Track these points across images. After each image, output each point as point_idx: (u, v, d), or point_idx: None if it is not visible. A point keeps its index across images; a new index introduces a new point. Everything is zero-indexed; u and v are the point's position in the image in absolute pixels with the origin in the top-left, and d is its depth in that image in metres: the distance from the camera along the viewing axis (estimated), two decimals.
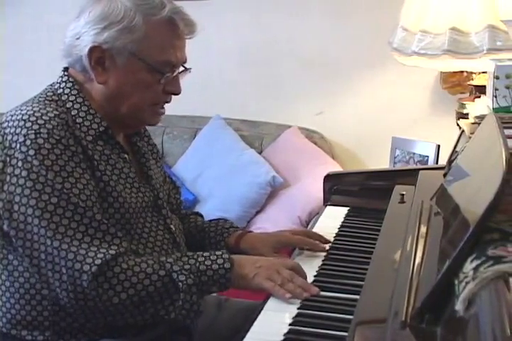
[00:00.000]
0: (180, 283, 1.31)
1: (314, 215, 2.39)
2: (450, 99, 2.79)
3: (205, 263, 1.34)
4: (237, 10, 3.24)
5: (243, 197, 2.96)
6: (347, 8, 3.06)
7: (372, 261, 1.38)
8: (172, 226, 1.50)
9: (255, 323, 1.22)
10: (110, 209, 1.37)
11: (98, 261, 1.27)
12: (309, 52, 3.16)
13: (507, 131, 1.42)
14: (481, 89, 2.37)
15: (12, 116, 1.34)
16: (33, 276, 1.34)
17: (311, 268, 1.45)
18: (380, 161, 2.92)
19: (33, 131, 1.30)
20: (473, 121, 1.88)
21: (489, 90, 1.90)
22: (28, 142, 1.30)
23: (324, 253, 1.55)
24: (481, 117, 1.79)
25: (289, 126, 3.19)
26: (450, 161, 1.75)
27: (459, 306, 0.87)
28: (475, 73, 2.52)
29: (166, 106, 1.48)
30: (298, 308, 1.26)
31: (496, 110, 1.79)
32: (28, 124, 1.31)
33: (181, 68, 1.45)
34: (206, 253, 1.37)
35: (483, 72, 2.43)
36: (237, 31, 3.26)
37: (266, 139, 3.21)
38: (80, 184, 1.32)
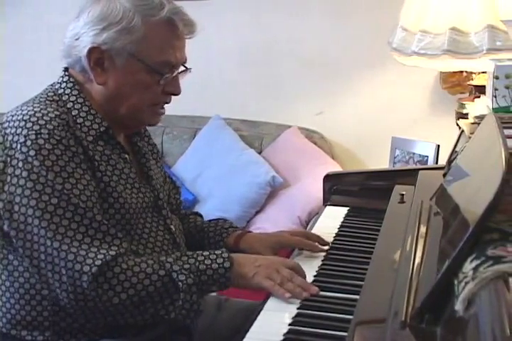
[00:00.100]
0: (180, 283, 1.31)
1: (314, 215, 2.39)
2: (450, 99, 2.79)
3: (205, 262, 1.34)
4: (237, 10, 3.24)
5: (243, 197, 2.96)
6: (347, 8, 3.06)
7: (372, 261, 1.38)
8: (172, 226, 1.50)
9: (255, 323, 1.22)
10: (110, 209, 1.37)
11: (98, 262, 1.27)
12: (309, 52, 3.16)
13: (506, 131, 1.42)
14: (480, 89, 2.37)
15: (13, 116, 1.34)
16: (33, 276, 1.34)
17: (310, 268, 1.45)
18: (380, 161, 2.92)
19: (34, 132, 1.30)
20: (472, 121, 1.88)
21: (489, 90, 1.90)
22: (29, 142, 1.30)
23: (324, 254, 1.55)
24: (481, 117, 1.78)
25: (289, 126, 3.19)
26: (450, 161, 1.75)
27: (458, 306, 0.87)
28: (475, 73, 2.52)
29: (166, 106, 1.48)
30: (297, 308, 1.26)
31: (495, 110, 1.79)
32: (29, 125, 1.31)
33: (181, 68, 1.45)
34: (206, 253, 1.37)
35: (483, 72, 2.43)
36: (237, 31, 3.26)
37: (266, 139, 3.21)
38: (80, 185, 1.32)
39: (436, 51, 2.27)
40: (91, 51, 1.38)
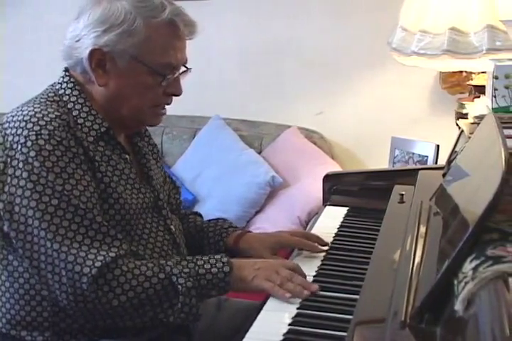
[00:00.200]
0: (179, 286, 1.30)
1: (314, 215, 2.39)
2: (449, 99, 2.79)
3: (205, 266, 1.34)
4: (237, 10, 3.24)
5: (242, 197, 2.96)
6: (347, 8, 3.06)
7: (371, 261, 1.38)
8: (172, 226, 1.50)
9: (255, 323, 1.22)
10: (111, 210, 1.37)
11: (98, 264, 1.27)
12: (309, 52, 3.16)
13: (506, 131, 1.42)
14: (480, 89, 2.37)
15: (13, 116, 1.34)
16: (33, 277, 1.34)
17: (310, 268, 1.45)
18: (380, 161, 2.92)
19: (34, 133, 1.30)
20: (472, 121, 1.88)
21: (488, 90, 1.90)
22: (29, 143, 1.29)
23: (323, 254, 1.55)
24: (481, 117, 1.78)
25: (289, 126, 3.19)
26: (449, 161, 1.75)
27: (458, 306, 0.87)
28: (474, 73, 2.53)
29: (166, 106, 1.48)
30: (297, 308, 1.26)
31: (495, 110, 1.79)
32: (29, 125, 1.31)
33: (182, 69, 1.45)
34: (205, 257, 1.37)
35: (483, 72, 2.43)
36: (237, 31, 3.26)
37: (265, 139, 3.21)
38: (80, 186, 1.31)
39: (436, 51, 2.27)
40: (92, 53, 1.37)
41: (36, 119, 1.31)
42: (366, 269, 1.34)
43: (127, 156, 1.46)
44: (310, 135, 3.16)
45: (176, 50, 1.42)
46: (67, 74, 1.44)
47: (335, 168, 2.94)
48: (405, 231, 1.38)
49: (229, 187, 3.02)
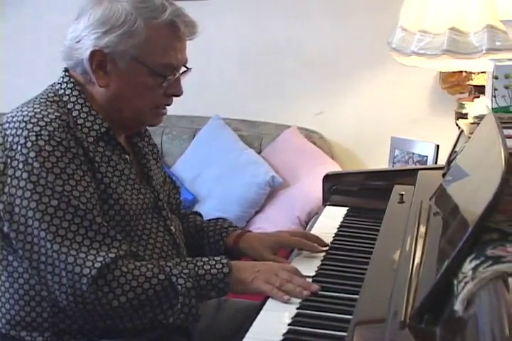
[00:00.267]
0: (179, 287, 1.30)
1: (313, 215, 2.39)
2: (449, 99, 2.79)
3: (204, 267, 1.34)
4: (237, 10, 3.24)
5: (242, 197, 2.96)
6: (347, 8, 3.06)
7: (371, 261, 1.38)
8: (172, 227, 1.50)
9: (254, 323, 1.22)
10: (110, 211, 1.37)
11: (98, 265, 1.27)
12: (309, 52, 3.16)
13: (506, 131, 1.42)
14: (480, 89, 2.37)
15: (13, 117, 1.34)
16: (33, 278, 1.34)
17: (310, 268, 1.45)
18: (379, 161, 2.92)
19: (34, 133, 1.30)
20: (472, 121, 1.88)
21: (488, 90, 1.90)
22: (29, 144, 1.29)
23: (323, 254, 1.55)
24: (480, 117, 1.78)
25: (288, 126, 3.19)
26: (449, 161, 1.75)
27: (458, 306, 0.87)
28: (474, 73, 2.53)
29: None
30: (297, 308, 1.26)
31: (495, 110, 1.79)
32: (29, 126, 1.30)
33: (182, 69, 1.45)
34: (205, 258, 1.37)
35: (482, 72, 2.43)
36: (236, 31, 3.26)
37: (265, 139, 3.21)
38: (80, 186, 1.31)
39: (436, 51, 2.27)
40: (93, 54, 1.37)
41: (36, 120, 1.31)
42: (366, 269, 1.34)
43: (127, 157, 1.46)
44: (310, 135, 3.16)
45: (177, 51, 1.41)
46: (67, 74, 1.44)
47: (335, 168, 2.94)
48: (405, 231, 1.38)
49: (229, 187, 3.02)
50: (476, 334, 0.80)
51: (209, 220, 1.70)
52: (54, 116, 1.32)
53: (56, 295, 1.30)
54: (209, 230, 1.64)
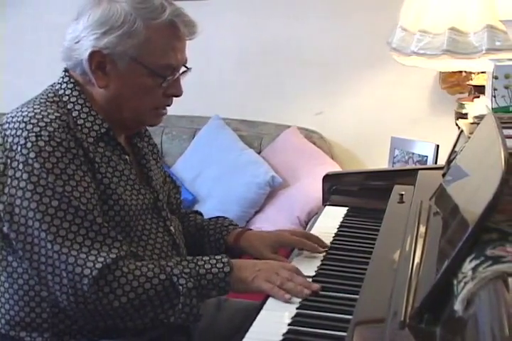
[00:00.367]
0: (180, 287, 1.30)
1: (313, 215, 2.40)
2: (449, 99, 2.79)
3: (205, 266, 1.34)
4: (237, 10, 3.24)
5: (242, 197, 2.96)
6: (346, 8, 3.06)
7: (371, 261, 1.38)
8: (172, 227, 1.50)
9: (254, 323, 1.22)
10: (110, 211, 1.37)
11: (99, 265, 1.27)
12: (309, 52, 3.16)
13: (506, 131, 1.42)
14: (480, 89, 2.37)
15: (13, 117, 1.34)
16: (33, 278, 1.34)
17: (310, 268, 1.45)
18: (379, 161, 2.92)
19: (34, 134, 1.30)
20: (472, 121, 1.88)
21: (488, 90, 1.90)
22: (29, 145, 1.29)
23: (323, 254, 1.55)
24: (480, 117, 1.78)
25: (288, 126, 3.19)
26: (449, 161, 1.75)
27: (457, 306, 0.87)
28: (474, 73, 2.53)
29: None
30: (297, 308, 1.26)
31: (494, 110, 1.79)
32: (29, 126, 1.30)
33: (182, 69, 1.45)
34: (206, 258, 1.37)
35: (482, 72, 2.43)
36: (236, 31, 3.26)
37: (265, 139, 3.21)
38: (80, 187, 1.31)
39: (436, 51, 2.27)
40: (92, 55, 1.37)
41: (36, 120, 1.31)
42: (366, 269, 1.34)
43: (127, 157, 1.46)
44: (309, 135, 3.16)
45: (176, 51, 1.41)
46: (66, 74, 1.44)
47: (334, 168, 2.94)
48: (405, 231, 1.38)
49: (229, 187, 3.02)
50: (476, 334, 0.80)
51: (209, 219, 1.70)
52: (54, 117, 1.32)
53: (57, 295, 1.30)
54: (209, 228, 1.64)
